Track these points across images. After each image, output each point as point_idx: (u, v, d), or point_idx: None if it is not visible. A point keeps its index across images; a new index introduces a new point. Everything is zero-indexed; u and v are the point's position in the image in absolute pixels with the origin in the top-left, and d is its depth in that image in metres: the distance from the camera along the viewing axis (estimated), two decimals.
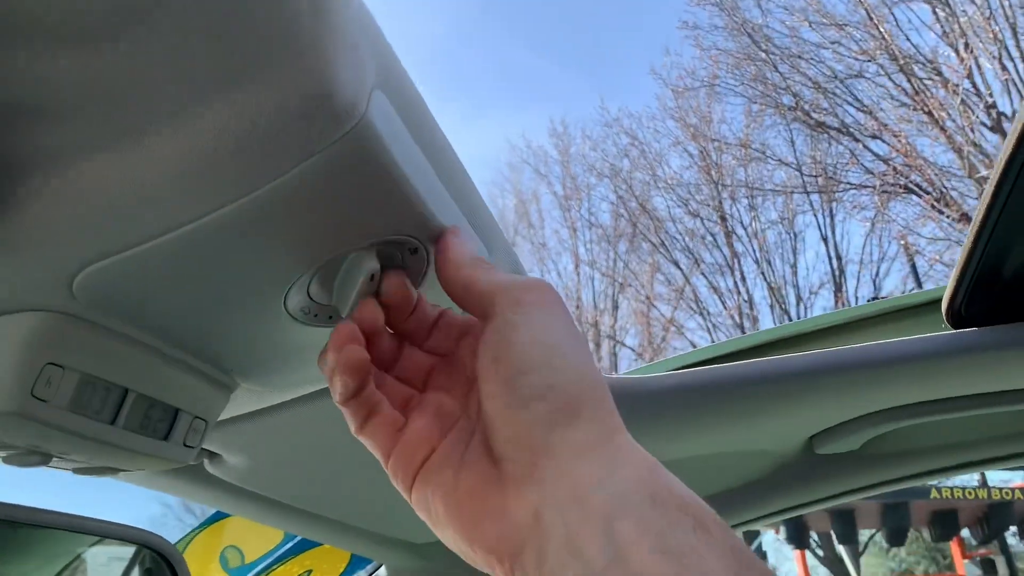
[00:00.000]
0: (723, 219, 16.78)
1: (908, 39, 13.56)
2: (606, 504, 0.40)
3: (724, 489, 1.29)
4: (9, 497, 0.73)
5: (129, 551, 0.77)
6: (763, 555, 10.52)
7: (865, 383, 1.07)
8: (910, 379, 1.06)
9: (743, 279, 16.57)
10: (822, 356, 1.07)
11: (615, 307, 18.80)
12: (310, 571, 1.50)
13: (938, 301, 1.15)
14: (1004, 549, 10.08)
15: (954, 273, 1.02)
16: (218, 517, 1.41)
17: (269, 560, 1.48)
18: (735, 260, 16.63)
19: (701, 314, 17.11)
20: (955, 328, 1.06)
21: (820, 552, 13.28)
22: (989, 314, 1.04)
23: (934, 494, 8.76)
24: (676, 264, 17.41)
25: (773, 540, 12.78)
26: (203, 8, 0.39)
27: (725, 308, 16.62)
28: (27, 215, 0.44)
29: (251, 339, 0.61)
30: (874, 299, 1.26)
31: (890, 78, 13.88)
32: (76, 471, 0.66)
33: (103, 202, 0.44)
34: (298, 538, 1.50)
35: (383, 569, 1.38)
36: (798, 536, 9.47)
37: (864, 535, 11.92)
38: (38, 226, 0.44)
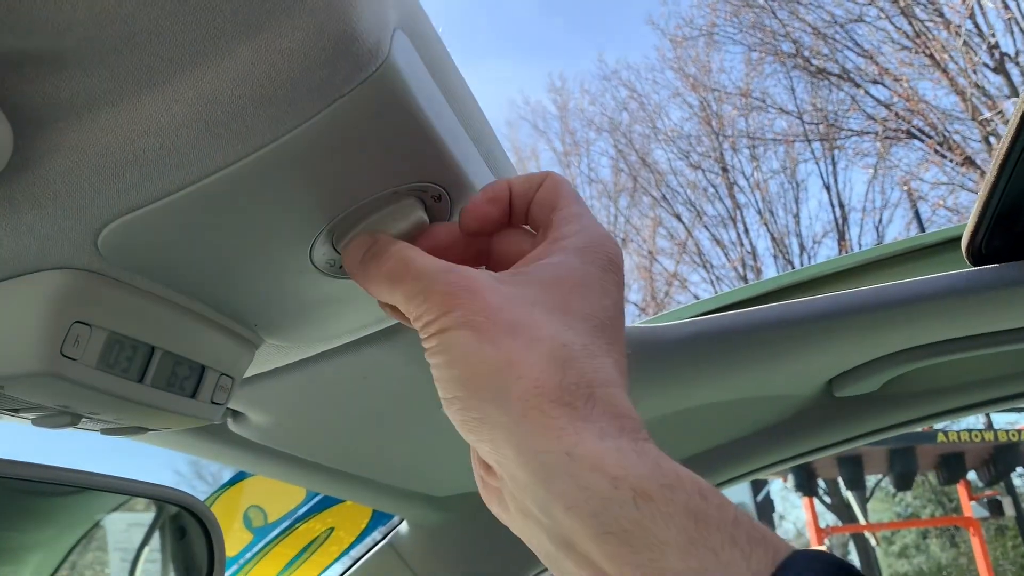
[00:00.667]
0: (724, 170, 16.70)
1: None
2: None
3: (744, 435, 1.29)
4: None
5: (148, 517, 0.78)
6: (771, 503, 10.63)
7: (884, 323, 1.06)
8: (930, 318, 1.06)
9: (746, 231, 16.55)
10: (840, 298, 1.06)
11: None
12: (332, 528, 1.52)
13: (950, 241, 1.14)
14: (1010, 490, 10.20)
15: (975, 210, 1.01)
16: (240, 478, 1.42)
17: (291, 519, 1.50)
18: (738, 211, 16.59)
19: (704, 267, 17.11)
20: (975, 265, 1.05)
21: (828, 499, 13.43)
22: (1009, 250, 1.03)
23: (940, 438, 8.82)
24: (678, 217, 17.36)
25: (781, 488, 12.91)
26: None
27: (728, 260, 16.62)
28: (49, 169, 0.43)
29: (277, 293, 0.60)
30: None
31: (891, 21, 13.71)
32: (104, 431, 0.65)
33: (125, 154, 0.43)
34: (319, 497, 1.51)
35: (404, 523, 1.39)
36: (806, 483, 9.56)
37: (871, 480, 12.03)
38: (60, 180, 0.44)
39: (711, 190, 16.95)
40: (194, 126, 0.43)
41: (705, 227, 17.03)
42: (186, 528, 0.70)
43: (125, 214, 0.47)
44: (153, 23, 0.38)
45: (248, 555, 1.49)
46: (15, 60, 0.38)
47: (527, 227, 0.53)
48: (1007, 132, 0.88)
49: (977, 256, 1.05)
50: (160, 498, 0.68)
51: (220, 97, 0.42)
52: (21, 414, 0.58)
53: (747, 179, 16.63)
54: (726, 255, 16.69)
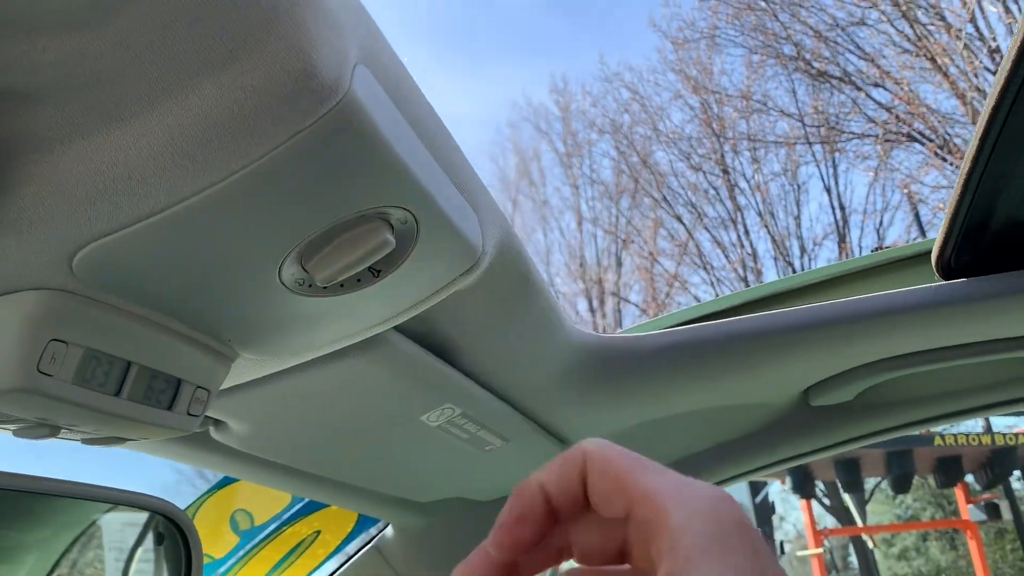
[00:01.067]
0: (725, 172, 16.69)
1: None
2: None
3: (721, 442, 1.32)
4: (25, 467, 0.76)
5: (142, 517, 0.80)
6: (770, 505, 10.62)
7: (859, 334, 1.09)
8: (903, 330, 1.08)
9: (746, 232, 16.53)
10: (815, 309, 1.09)
11: (619, 264, 18.79)
12: (319, 532, 1.54)
13: (921, 255, 1.17)
14: (1008, 493, 10.19)
15: (943, 225, 1.03)
16: (228, 481, 1.44)
17: (278, 522, 1.52)
18: (738, 213, 16.57)
19: (705, 268, 17.10)
20: (945, 279, 1.08)
21: (827, 501, 13.43)
22: (978, 264, 1.05)
23: (938, 441, 8.82)
24: (679, 219, 17.35)
25: (780, 491, 12.90)
26: None
27: (729, 262, 16.61)
28: (24, 197, 0.45)
29: (248, 310, 0.63)
30: (877, 249, 1.27)
31: (892, 24, 13.70)
32: (85, 442, 0.68)
33: (96, 184, 0.46)
34: (305, 500, 1.53)
35: (390, 528, 1.42)
36: (803, 486, 9.56)
37: (870, 483, 12.03)
38: (35, 207, 0.46)
39: (712, 192, 16.95)
40: (161, 157, 0.45)
41: (706, 229, 17.02)
42: (164, 534, 0.73)
43: (98, 239, 0.49)
44: (121, 62, 0.41)
45: (234, 558, 1.51)
46: None
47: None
48: (969, 150, 0.91)
49: (947, 270, 1.07)
50: (141, 506, 0.71)
51: (185, 130, 0.44)
52: (3, 425, 0.61)
53: (748, 181, 16.63)
54: (727, 257, 16.69)
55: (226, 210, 0.50)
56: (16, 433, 0.62)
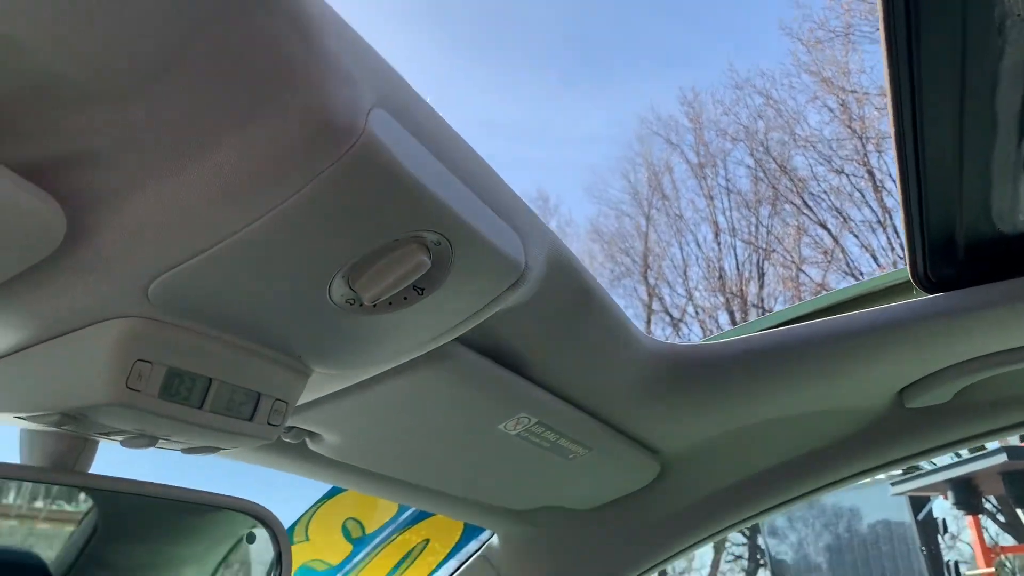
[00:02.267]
0: (870, 173, 16.00)
1: None
2: None
3: (815, 448, 1.30)
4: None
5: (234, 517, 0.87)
6: (935, 522, 9.98)
7: (955, 331, 1.06)
8: (1000, 325, 1.05)
9: (896, 235, 15.75)
10: (908, 307, 1.07)
11: (760, 274, 18.30)
12: (427, 540, 1.61)
13: None
14: None
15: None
16: (336, 491, 1.54)
17: (388, 530, 1.60)
18: (887, 215, 15.83)
19: (854, 275, 16.41)
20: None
21: (1001, 517, 12.51)
22: None
23: None
24: (823, 225, 16.76)
25: (948, 507, 12.05)
26: (212, 59, 0.48)
27: (879, 267, 15.87)
28: (99, 241, 0.54)
29: (309, 328, 0.70)
30: None
31: None
32: (184, 451, 0.77)
33: (156, 224, 0.54)
34: (412, 510, 1.61)
35: (495, 537, 1.47)
36: (968, 500, 8.91)
37: None
38: (107, 249, 0.55)
39: (857, 195, 16.28)
40: (205, 200, 0.53)
41: (853, 233, 16.35)
42: (256, 536, 0.81)
43: (166, 271, 0.58)
44: (159, 125, 0.49)
45: (350, 565, 1.61)
46: (63, 158, 0.50)
47: None
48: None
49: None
50: (235, 508, 0.79)
51: (222, 176, 0.52)
52: (111, 437, 0.71)
53: (895, 182, 15.85)
54: (876, 261, 15.96)
55: (270, 241, 0.57)
56: (123, 444, 0.72)
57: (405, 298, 0.69)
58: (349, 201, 0.57)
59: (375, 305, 0.68)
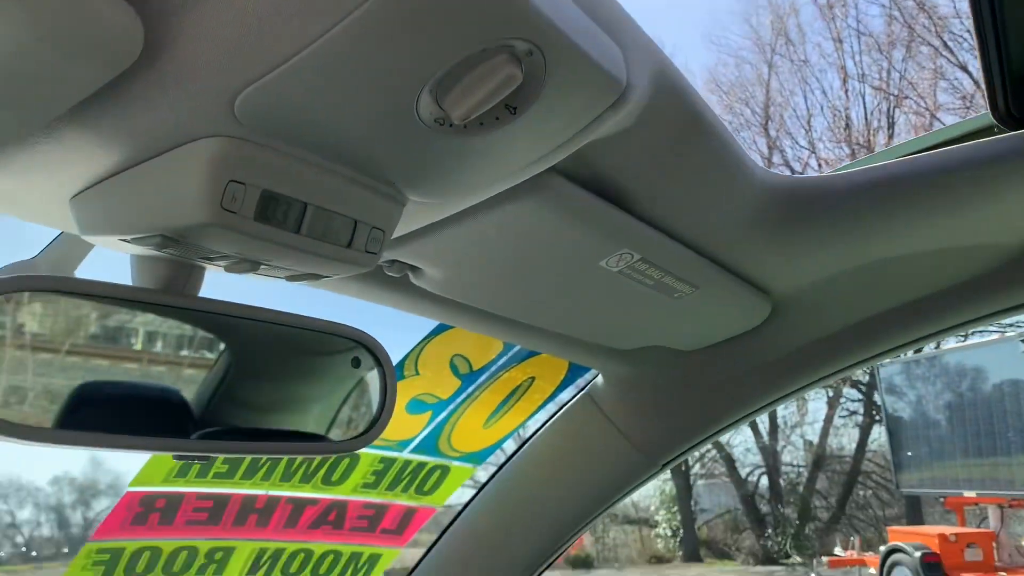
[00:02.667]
0: None
1: None
2: None
3: (943, 288, 1.22)
4: None
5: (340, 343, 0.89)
6: None
7: None
8: None
9: None
10: None
11: (891, 123, 17.24)
12: (533, 378, 1.65)
13: None
14: None
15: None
16: (442, 328, 1.58)
17: (494, 367, 1.64)
18: None
19: None
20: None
21: None
22: None
23: None
24: (963, 67, 15.49)
25: None
26: None
27: None
28: (178, 52, 0.53)
29: (399, 151, 0.68)
30: None
31: None
32: (288, 278, 0.79)
33: (235, 32, 0.52)
34: (517, 347, 1.64)
35: (600, 376, 1.48)
36: None
37: None
38: (190, 60, 0.54)
39: None
40: (284, 5, 0.51)
41: None
42: (360, 359, 0.83)
43: (253, 81, 0.56)
44: None
45: (459, 399, 1.66)
46: None
47: None
48: None
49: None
50: (337, 333, 0.81)
51: None
52: (215, 262, 0.72)
53: None
54: None
55: (352, 50, 0.55)
56: (227, 269, 0.73)
57: (497, 118, 0.66)
58: (430, 2, 0.54)
59: (465, 126, 0.65)
